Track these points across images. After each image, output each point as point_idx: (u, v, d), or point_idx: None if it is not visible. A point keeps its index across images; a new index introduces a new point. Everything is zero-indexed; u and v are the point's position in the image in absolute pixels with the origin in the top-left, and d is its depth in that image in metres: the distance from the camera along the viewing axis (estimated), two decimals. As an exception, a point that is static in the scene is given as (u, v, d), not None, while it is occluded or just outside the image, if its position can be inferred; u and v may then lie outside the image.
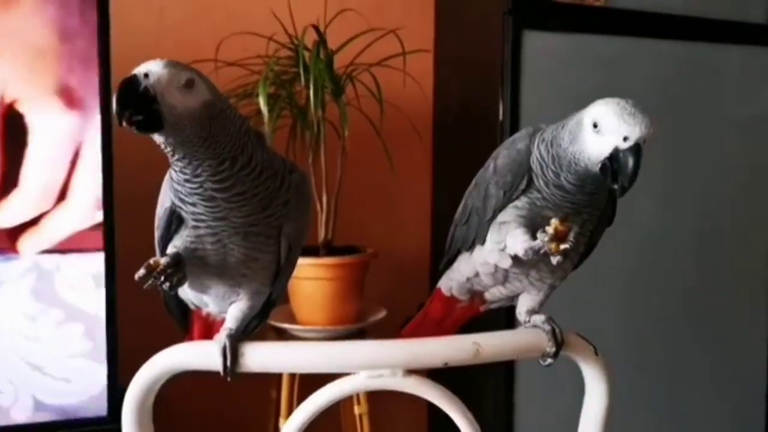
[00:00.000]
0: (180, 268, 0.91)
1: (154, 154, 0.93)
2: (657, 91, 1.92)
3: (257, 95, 1.62)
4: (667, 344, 2.01)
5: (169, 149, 0.86)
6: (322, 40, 1.71)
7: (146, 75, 0.79)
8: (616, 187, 0.92)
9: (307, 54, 1.68)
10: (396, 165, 1.76)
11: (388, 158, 1.73)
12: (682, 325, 2.02)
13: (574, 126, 0.96)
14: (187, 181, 0.89)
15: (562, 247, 0.92)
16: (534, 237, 0.96)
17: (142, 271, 0.87)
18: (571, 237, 0.93)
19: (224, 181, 0.88)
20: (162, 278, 0.87)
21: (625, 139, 0.90)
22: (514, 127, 1.80)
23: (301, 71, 1.65)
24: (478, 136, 1.98)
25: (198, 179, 0.88)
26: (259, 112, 1.65)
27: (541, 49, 1.82)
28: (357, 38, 1.79)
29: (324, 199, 1.77)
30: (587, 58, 1.87)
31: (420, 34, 2.11)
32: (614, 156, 0.91)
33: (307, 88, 1.64)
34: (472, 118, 2.03)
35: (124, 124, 0.80)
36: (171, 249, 0.94)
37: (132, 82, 0.79)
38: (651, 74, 1.92)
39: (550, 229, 0.93)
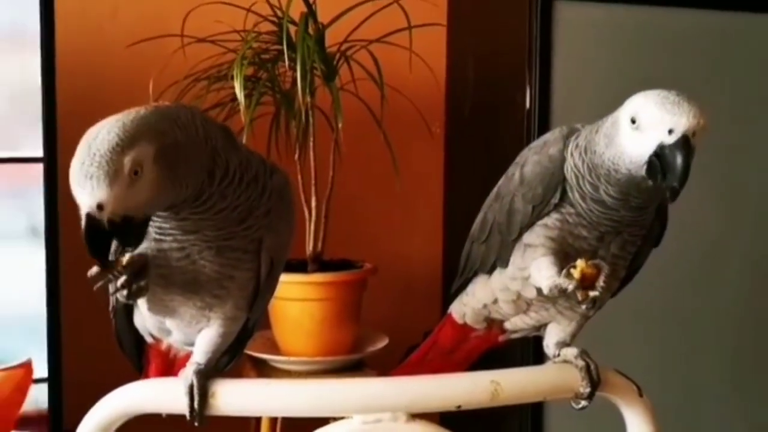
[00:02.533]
0: (143, 274, 0.92)
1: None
2: (706, 69, 1.93)
3: (232, 77, 1.63)
4: (724, 381, 2.01)
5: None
6: (311, 12, 1.72)
7: (99, 207, 0.82)
8: (666, 191, 0.92)
9: (293, 28, 1.69)
10: (401, 163, 1.77)
11: (390, 154, 1.73)
12: (742, 357, 2.02)
13: (609, 127, 0.97)
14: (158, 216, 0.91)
15: (591, 294, 0.94)
16: (562, 267, 0.98)
17: (95, 269, 0.87)
18: (601, 282, 0.95)
19: (204, 203, 0.90)
20: (120, 281, 0.88)
21: (671, 132, 0.90)
22: (544, 118, 1.81)
23: (286, 49, 1.65)
24: (500, 128, 1.99)
25: (173, 209, 0.90)
26: (234, 98, 1.66)
27: (576, 22, 1.84)
28: (353, 9, 1.79)
29: (313, 203, 1.78)
30: (629, 32, 1.88)
31: (431, 5, 2.12)
32: (659, 154, 0.91)
33: (293, 69, 1.65)
34: (493, 107, 2.04)
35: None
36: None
37: (94, 227, 0.82)
38: (699, 49, 1.93)
39: (575, 273, 0.95)
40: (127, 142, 0.82)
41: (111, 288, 0.89)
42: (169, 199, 0.88)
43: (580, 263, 0.95)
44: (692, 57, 1.93)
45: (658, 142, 0.91)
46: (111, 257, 0.90)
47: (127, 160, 0.82)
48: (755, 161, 2.01)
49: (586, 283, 0.94)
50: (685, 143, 0.90)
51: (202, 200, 0.90)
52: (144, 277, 0.92)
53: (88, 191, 0.81)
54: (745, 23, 1.96)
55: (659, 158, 0.92)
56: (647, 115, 0.92)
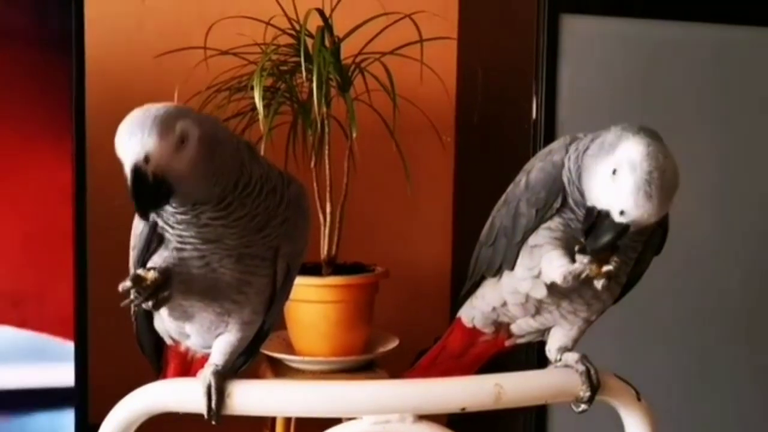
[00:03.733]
0: (167, 285, 0.93)
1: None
2: (707, 80, 1.92)
3: (252, 88, 1.65)
4: (724, 387, 2.00)
5: (175, 206, 0.90)
6: (327, 26, 1.73)
7: (146, 159, 0.83)
8: (582, 239, 0.96)
9: (310, 41, 1.70)
10: (412, 170, 1.78)
11: (402, 162, 1.74)
12: (744, 362, 2.01)
13: (594, 156, 0.98)
14: (180, 214, 0.92)
15: (605, 269, 0.94)
16: (572, 260, 0.98)
17: (127, 283, 0.89)
18: (614, 259, 0.95)
19: (226, 208, 0.92)
20: (148, 294, 0.90)
21: (622, 213, 0.93)
22: (550, 128, 1.81)
23: (303, 61, 1.67)
24: (507, 137, 1.99)
25: (195, 212, 0.91)
26: (253, 108, 1.68)
27: (582, 35, 1.83)
28: (368, 23, 1.80)
29: (328, 209, 1.80)
30: (634, 45, 1.87)
31: (441, 19, 2.13)
32: (602, 214, 0.94)
33: (310, 80, 1.67)
34: (501, 117, 2.04)
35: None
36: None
37: (140, 177, 0.83)
38: (701, 62, 1.92)
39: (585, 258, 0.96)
40: (180, 113, 0.86)
41: (137, 300, 0.90)
42: (200, 187, 0.89)
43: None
44: (696, 70, 1.92)
45: (610, 209, 0.94)
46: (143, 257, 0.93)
47: (179, 126, 0.85)
48: (747, 160, 2.00)
49: (600, 257, 0.96)
50: (624, 231, 0.94)
51: (223, 204, 0.91)
52: (167, 288, 0.93)
53: (138, 139, 0.83)
54: (752, 37, 1.95)
55: (599, 217, 0.95)
56: (624, 186, 0.93)
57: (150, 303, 0.91)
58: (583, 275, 0.95)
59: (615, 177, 0.93)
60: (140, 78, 2.00)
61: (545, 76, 1.82)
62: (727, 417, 2.01)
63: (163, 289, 0.93)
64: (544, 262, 1.03)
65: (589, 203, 0.97)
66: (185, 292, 0.97)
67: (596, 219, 0.95)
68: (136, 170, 0.83)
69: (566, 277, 0.97)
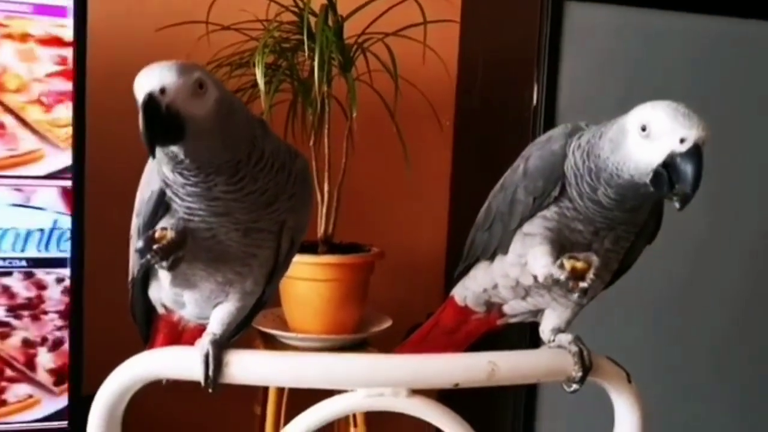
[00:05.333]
0: (183, 244, 0.93)
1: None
2: (708, 70, 1.94)
3: (254, 64, 1.65)
4: (712, 370, 2.02)
5: (182, 160, 0.88)
6: (330, 4, 1.73)
7: (162, 91, 0.83)
8: (674, 198, 0.93)
9: (313, 19, 1.71)
10: (411, 152, 1.78)
11: (401, 144, 1.75)
12: (731, 348, 2.03)
13: (615, 133, 0.98)
14: (191, 186, 0.91)
15: (581, 285, 0.96)
16: (558, 257, 1.00)
17: (141, 243, 0.90)
18: (590, 274, 0.97)
19: (238, 182, 0.92)
20: (164, 254, 0.90)
21: (682, 141, 0.91)
22: (550, 115, 1.82)
23: (306, 39, 1.67)
24: (507, 123, 2.00)
25: (207, 183, 0.91)
26: (254, 84, 1.68)
27: (585, 23, 1.84)
28: (371, 3, 1.81)
29: (326, 188, 1.80)
30: (636, 34, 1.88)
31: (445, 2, 2.13)
32: (670, 162, 0.92)
33: (312, 58, 1.66)
34: (501, 102, 2.05)
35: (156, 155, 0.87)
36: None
37: (153, 104, 0.83)
38: (702, 52, 1.93)
39: (567, 265, 0.97)
40: (202, 70, 0.87)
41: (153, 259, 0.90)
42: (211, 145, 0.89)
43: (571, 261, 0.97)
44: (698, 60, 1.93)
45: (669, 150, 0.92)
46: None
47: (197, 73, 0.86)
48: (748, 156, 2.01)
49: (577, 274, 0.97)
50: (697, 151, 0.91)
51: (237, 178, 0.92)
52: (183, 247, 0.93)
53: (156, 74, 0.84)
54: (755, 29, 1.96)
55: (667, 167, 0.92)
56: (659, 123, 0.92)
57: (166, 263, 0.91)
58: (560, 282, 0.98)
59: (648, 127, 0.93)
60: (141, 51, 1.98)
61: (547, 63, 1.83)
62: (706, 406, 2.04)
63: (180, 248, 0.92)
64: (530, 256, 1.05)
65: (631, 173, 0.95)
66: (190, 261, 0.98)
67: (669, 170, 0.92)
68: (150, 99, 0.83)
69: (546, 279, 1.00)
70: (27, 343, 1.56)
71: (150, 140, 0.84)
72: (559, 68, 1.84)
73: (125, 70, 2.00)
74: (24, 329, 1.56)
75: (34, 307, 1.56)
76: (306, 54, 1.69)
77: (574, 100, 1.84)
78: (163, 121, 0.84)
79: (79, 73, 1.57)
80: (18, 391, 1.56)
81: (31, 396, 1.57)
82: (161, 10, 2.01)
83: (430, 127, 1.99)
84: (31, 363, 1.56)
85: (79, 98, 1.57)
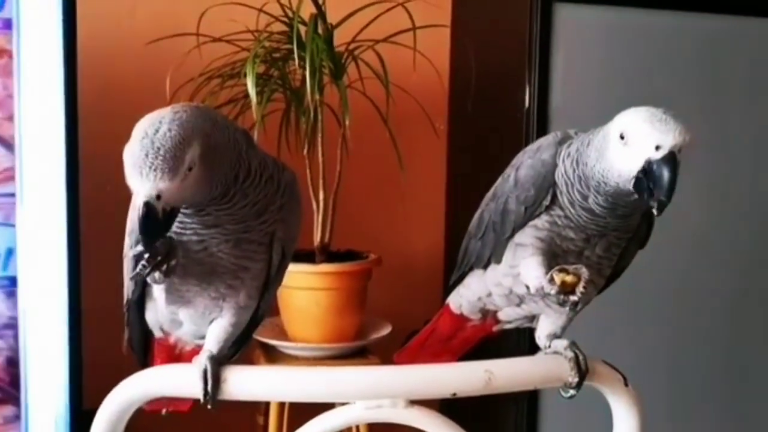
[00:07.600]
0: (174, 254, 0.95)
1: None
2: (700, 70, 1.95)
3: (245, 75, 1.66)
4: (709, 374, 2.03)
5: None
6: (320, 13, 1.74)
7: (158, 197, 0.85)
8: (653, 205, 0.94)
9: (303, 28, 1.71)
10: (405, 158, 1.79)
11: (395, 150, 1.76)
12: (728, 350, 2.04)
13: (600, 141, 0.99)
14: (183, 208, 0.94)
15: (571, 299, 0.98)
16: (550, 267, 1.01)
17: (135, 249, 0.93)
18: (580, 288, 0.98)
19: (229, 201, 0.94)
20: (155, 264, 0.91)
21: (657, 148, 0.92)
22: (543, 117, 1.83)
23: (296, 48, 1.68)
24: (500, 126, 2.01)
25: (198, 207, 0.94)
26: (246, 95, 1.69)
27: (575, 24, 1.85)
28: (361, 11, 1.81)
29: (321, 196, 1.81)
30: (628, 34, 1.89)
31: (435, 7, 2.14)
32: (647, 169, 0.93)
33: (303, 67, 1.67)
34: (494, 105, 2.06)
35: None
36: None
37: (150, 215, 0.86)
38: (694, 51, 1.94)
39: (557, 279, 0.98)
40: (187, 141, 0.86)
41: (144, 271, 0.92)
42: (204, 196, 0.92)
43: (561, 275, 0.99)
44: (689, 59, 1.94)
45: (645, 157, 0.93)
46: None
47: (188, 158, 0.86)
48: (741, 154, 2.02)
49: (567, 288, 0.98)
50: (672, 158, 0.92)
51: (227, 198, 0.94)
52: (174, 256, 0.95)
53: (151, 181, 0.85)
54: (743, 27, 1.97)
55: (646, 174, 0.93)
56: (635, 131, 0.94)
57: (157, 274, 0.93)
58: (551, 294, 0.99)
59: (626, 135, 0.94)
60: (132, 64, 2.01)
61: (538, 65, 1.84)
62: (714, 406, 2.05)
63: (170, 258, 0.94)
64: (522, 266, 1.07)
65: (616, 181, 0.97)
66: (182, 276, 0.99)
67: (647, 177, 0.93)
68: (148, 207, 0.86)
69: (538, 290, 1.02)
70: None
71: (149, 241, 0.89)
72: (550, 69, 1.85)
73: (116, 82, 2.03)
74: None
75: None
76: (297, 63, 1.70)
77: (566, 100, 1.85)
78: (161, 223, 0.87)
79: (69, 87, 1.56)
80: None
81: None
82: (151, 23, 2.02)
83: (424, 132, 1.99)
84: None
85: (70, 114, 1.56)
